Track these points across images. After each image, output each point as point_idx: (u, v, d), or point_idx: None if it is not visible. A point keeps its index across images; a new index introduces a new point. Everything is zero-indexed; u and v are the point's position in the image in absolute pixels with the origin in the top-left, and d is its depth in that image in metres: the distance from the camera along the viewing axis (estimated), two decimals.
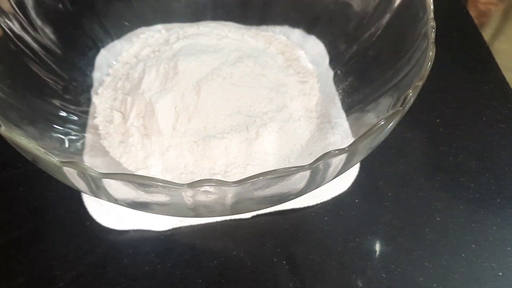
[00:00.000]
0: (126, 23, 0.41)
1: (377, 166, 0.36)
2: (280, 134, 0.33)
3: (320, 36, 0.41)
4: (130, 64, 0.39)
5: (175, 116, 0.33)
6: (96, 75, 0.38)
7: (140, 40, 0.41)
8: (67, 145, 0.32)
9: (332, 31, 0.40)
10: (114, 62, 0.39)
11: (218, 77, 0.35)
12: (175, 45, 0.38)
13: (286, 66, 0.39)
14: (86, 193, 0.25)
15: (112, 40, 0.41)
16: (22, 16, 0.33)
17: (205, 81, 0.34)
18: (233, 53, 0.37)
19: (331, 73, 0.39)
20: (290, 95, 0.36)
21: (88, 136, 0.34)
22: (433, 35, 0.27)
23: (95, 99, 0.37)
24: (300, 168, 0.21)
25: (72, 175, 0.22)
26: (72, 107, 0.35)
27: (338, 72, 0.39)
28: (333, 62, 0.40)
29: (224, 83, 0.35)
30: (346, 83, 0.38)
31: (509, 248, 0.32)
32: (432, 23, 0.28)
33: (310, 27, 0.42)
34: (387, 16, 0.34)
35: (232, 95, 0.34)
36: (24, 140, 0.22)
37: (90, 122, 0.35)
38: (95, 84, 0.38)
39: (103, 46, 0.40)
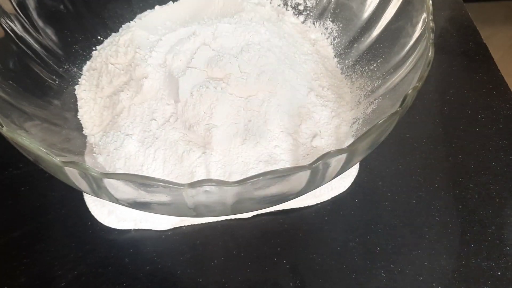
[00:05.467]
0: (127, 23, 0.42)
1: (377, 166, 0.36)
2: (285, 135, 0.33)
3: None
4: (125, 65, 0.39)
5: (176, 115, 0.33)
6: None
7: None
8: (68, 145, 0.32)
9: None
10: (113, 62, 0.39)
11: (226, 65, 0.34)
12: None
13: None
14: (88, 193, 0.25)
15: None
16: (24, 17, 0.33)
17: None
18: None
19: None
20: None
21: (89, 136, 0.34)
22: (432, 35, 0.27)
23: (80, 97, 0.36)
24: (300, 168, 0.22)
25: (73, 175, 0.22)
26: (73, 107, 0.35)
27: None
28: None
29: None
30: None
31: (508, 248, 0.32)
32: (432, 23, 0.28)
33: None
34: (387, 17, 0.34)
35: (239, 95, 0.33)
36: (26, 141, 0.22)
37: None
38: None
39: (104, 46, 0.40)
